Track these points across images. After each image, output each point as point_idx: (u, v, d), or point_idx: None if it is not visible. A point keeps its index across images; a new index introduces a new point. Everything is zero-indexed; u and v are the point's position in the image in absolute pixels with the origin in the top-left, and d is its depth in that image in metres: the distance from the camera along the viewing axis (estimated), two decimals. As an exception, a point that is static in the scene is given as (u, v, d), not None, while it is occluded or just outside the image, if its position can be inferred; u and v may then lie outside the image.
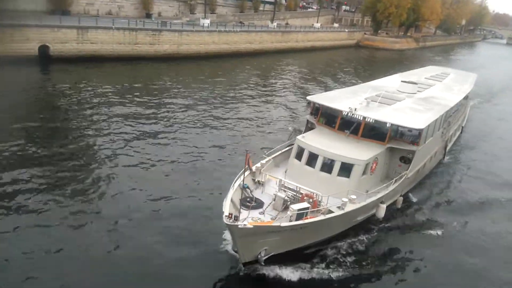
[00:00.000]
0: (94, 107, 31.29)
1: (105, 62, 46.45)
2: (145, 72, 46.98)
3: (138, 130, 26.93)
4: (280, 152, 19.82)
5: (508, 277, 16.54)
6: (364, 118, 18.80)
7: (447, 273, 16.23)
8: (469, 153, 30.90)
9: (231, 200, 14.47)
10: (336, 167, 17.03)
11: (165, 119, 30.00)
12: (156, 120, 29.57)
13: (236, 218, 12.79)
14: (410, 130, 19.05)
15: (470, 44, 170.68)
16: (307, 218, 14.13)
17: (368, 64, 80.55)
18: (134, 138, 25.51)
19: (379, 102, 21.60)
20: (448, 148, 29.60)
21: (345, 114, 19.23)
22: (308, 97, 21.08)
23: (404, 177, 18.67)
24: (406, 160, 19.70)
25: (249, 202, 15.41)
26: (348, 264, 15.76)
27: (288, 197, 15.46)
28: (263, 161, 18.01)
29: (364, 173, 17.40)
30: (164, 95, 37.48)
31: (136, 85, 39.45)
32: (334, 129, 19.82)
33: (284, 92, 44.60)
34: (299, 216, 14.10)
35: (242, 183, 15.85)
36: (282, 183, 16.00)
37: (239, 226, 12.65)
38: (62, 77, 39.56)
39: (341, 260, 15.85)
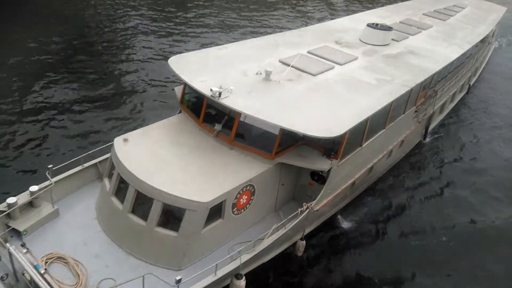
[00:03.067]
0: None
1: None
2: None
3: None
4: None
5: None
6: (236, 112, 10.39)
7: None
8: (463, 129, 21.84)
9: None
10: (155, 211, 9.25)
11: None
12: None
13: None
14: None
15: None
16: None
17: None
18: None
19: (296, 69, 12.91)
20: (435, 124, 20.78)
21: (211, 100, 10.80)
22: (170, 60, 12.39)
23: (304, 213, 10.76)
24: (320, 177, 11.60)
25: None
26: None
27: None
28: (45, 184, 10.22)
29: (211, 220, 9.59)
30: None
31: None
32: (199, 122, 11.60)
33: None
34: None
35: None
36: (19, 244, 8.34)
37: None
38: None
39: None
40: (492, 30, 26.03)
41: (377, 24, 17.38)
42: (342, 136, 10.62)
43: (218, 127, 11.11)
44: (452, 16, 24.65)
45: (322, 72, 13.21)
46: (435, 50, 17.81)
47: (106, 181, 10.42)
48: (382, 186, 16.02)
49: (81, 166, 11.17)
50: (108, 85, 20.89)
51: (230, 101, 10.29)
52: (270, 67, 12.43)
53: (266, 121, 9.89)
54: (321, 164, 10.76)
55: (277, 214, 11.63)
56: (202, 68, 12.02)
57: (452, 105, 23.07)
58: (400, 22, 21.06)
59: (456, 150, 19.78)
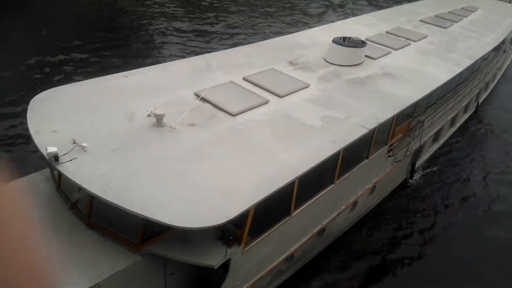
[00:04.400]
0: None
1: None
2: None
3: None
4: None
5: None
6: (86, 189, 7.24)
7: None
8: (465, 161, 17.95)
9: None
10: None
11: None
12: None
13: None
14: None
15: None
16: None
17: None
18: None
19: (213, 105, 9.75)
20: (427, 156, 17.10)
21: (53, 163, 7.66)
22: (34, 99, 9.27)
23: None
24: (223, 264, 8.36)
25: None
26: None
27: None
28: None
29: None
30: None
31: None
32: (56, 186, 8.54)
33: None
34: None
35: None
36: None
37: None
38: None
39: None
40: (507, 36, 21.99)
41: (345, 38, 13.89)
42: (246, 213, 7.37)
43: (76, 195, 8.04)
44: (456, 22, 20.74)
45: (248, 110, 9.91)
46: (421, 70, 14.18)
47: None
48: (344, 247, 12.60)
49: None
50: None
51: (72, 168, 7.15)
52: (175, 103, 9.32)
53: (116, 205, 6.72)
54: (211, 257, 7.49)
55: None
56: (74, 109, 8.95)
57: (453, 129, 19.25)
58: (386, 32, 17.45)
59: (451, 190, 16.04)
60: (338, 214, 11.16)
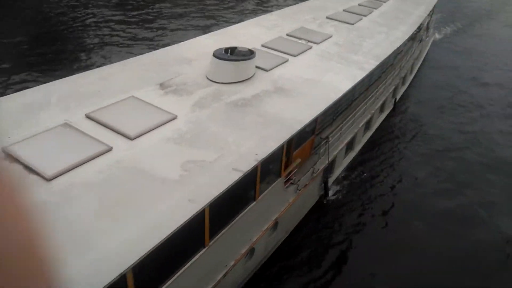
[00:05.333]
0: None
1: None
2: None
3: None
4: None
5: None
6: None
7: None
8: (384, 167, 16.58)
9: None
10: None
11: None
12: None
13: None
14: None
15: None
16: None
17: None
18: None
19: (24, 166, 7.12)
20: (341, 169, 15.53)
21: None
22: None
23: None
24: None
25: None
26: None
27: None
28: None
29: None
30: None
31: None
32: None
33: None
34: None
35: None
36: None
37: None
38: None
39: None
40: (420, 26, 21.06)
41: (227, 50, 11.68)
42: None
43: None
44: (365, 16, 19.31)
45: (74, 167, 7.33)
46: (319, 80, 12.31)
47: None
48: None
49: None
50: None
51: None
52: None
53: None
54: None
55: None
56: None
57: (369, 133, 17.88)
58: (287, 34, 15.50)
59: (373, 199, 14.63)
60: (225, 275, 9.02)
